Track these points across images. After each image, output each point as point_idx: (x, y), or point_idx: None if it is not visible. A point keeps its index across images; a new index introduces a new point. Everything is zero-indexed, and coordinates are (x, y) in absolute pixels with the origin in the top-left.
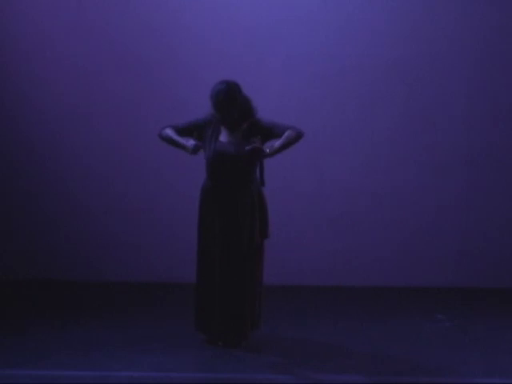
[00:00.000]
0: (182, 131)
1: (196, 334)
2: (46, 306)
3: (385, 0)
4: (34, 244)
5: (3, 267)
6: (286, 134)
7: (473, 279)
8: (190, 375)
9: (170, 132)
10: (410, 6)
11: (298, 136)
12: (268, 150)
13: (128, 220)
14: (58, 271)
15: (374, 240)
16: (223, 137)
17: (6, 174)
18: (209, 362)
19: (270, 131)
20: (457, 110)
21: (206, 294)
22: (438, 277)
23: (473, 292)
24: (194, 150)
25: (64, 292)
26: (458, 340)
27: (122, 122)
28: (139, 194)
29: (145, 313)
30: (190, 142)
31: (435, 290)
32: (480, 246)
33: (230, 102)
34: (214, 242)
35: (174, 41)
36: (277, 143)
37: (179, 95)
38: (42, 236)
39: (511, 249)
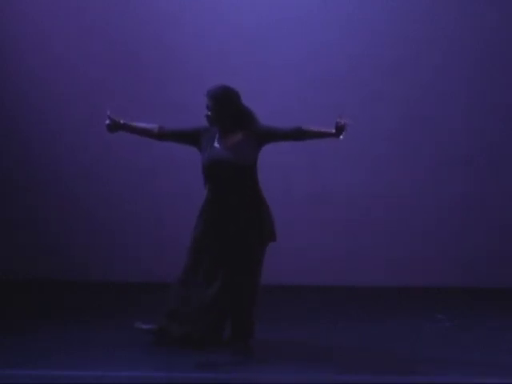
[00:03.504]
0: (174, 132)
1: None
2: (45, 306)
3: (385, 0)
4: (34, 244)
5: (3, 267)
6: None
7: (473, 279)
8: (190, 375)
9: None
10: (410, 6)
11: None
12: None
13: (128, 220)
14: (58, 271)
15: (374, 240)
16: (219, 143)
17: (5, 174)
18: (209, 362)
19: (271, 130)
20: (457, 109)
21: (190, 298)
22: (438, 277)
23: (473, 292)
24: (109, 129)
25: (64, 292)
26: (458, 340)
27: None
28: (139, 194)
29: (145, 313)
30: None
31: (435, 290)
32: (480, 246)
33: (221, 100)
34: (208, 251)
35: (174, 41)
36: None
37: (179, 95)
38: (42, 236)
39: (511, 249)
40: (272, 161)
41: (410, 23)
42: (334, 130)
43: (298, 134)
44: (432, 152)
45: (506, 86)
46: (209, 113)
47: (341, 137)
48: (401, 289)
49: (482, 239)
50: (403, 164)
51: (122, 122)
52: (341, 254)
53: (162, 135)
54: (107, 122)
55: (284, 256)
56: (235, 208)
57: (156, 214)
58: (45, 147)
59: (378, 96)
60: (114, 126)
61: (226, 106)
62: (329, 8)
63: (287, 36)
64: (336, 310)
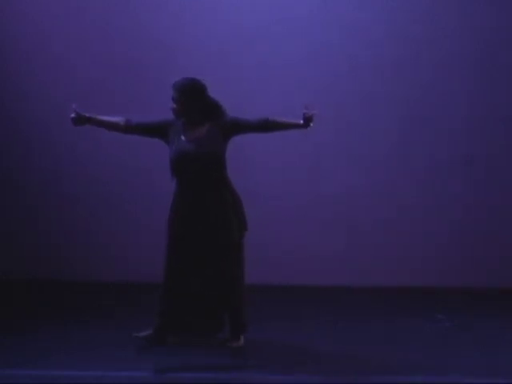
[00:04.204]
0: (141, 125)
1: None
2: (46, 306)
3: (385, 0)
4: (34, 244)
5: (3, 267)
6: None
7: (473, 279)
8: (190, 375)
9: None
10: (410, 6)
11: None
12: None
13: (128, 220)
14: (58, 271)
15: (374, 240)
16: (185, 136)
17: (5, 174)
18: (209, 362)
19: (238, 122)
20: (457, 110)
21: (177, 295)
22: (438, 277)
23: (473, 292)
24: (74, 122)
25: (64, 292)
26: (458, 340)
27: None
28: (139, 194)
29: (145, 313)
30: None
31: (435, 290)
32: (480, 246)
33: (187, 93)
34: (184, 247)
35: (174, 41)
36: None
37: None
38: (42, 236)
39: (511, 249)
40: (272, 161)
41: (410, 23)
42: (301, 121)
43: (265, 126)
44: (432, 152)
45: (506, 86)
46: (174, 105)
47: (308, 127)
48: (401, 289)
49: (481, 239)
50: (403, 164)
51: (87, 115)
52: (340, 254)
53: (129, 128)
54: (72, 115)
55: (284, 256)
56: (204, 201)
57: (156, 214)
58: (45, 147)
59: (378, 96)
60: (79, 120)
61: (193, 99)
62: (329, 8)
63: (287, 36)
64: (336, 310)
